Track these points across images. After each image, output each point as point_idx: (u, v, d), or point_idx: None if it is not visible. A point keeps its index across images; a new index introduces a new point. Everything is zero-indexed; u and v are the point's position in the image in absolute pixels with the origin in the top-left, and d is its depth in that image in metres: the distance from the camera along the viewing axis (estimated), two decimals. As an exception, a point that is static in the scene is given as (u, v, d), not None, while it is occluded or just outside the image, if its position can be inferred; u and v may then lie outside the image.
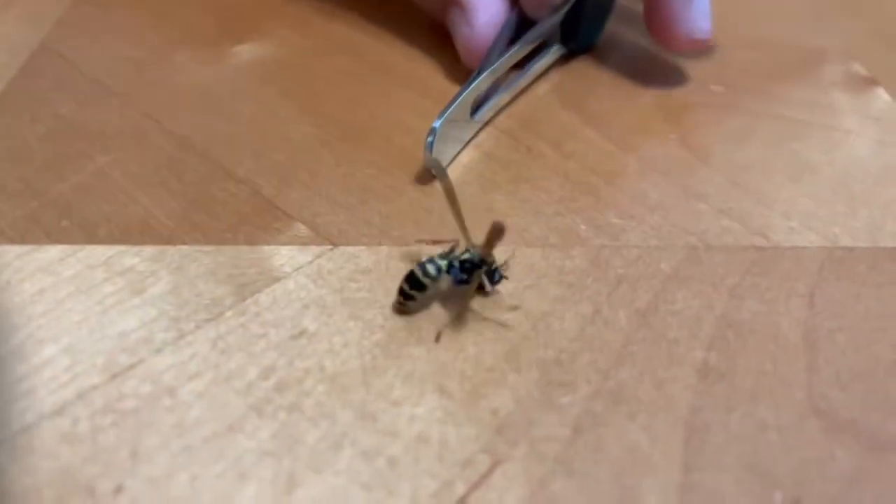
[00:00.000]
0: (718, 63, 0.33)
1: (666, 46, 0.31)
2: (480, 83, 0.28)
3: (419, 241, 0.24)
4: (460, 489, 0.18)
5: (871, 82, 0.32)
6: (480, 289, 0.22)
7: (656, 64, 0.33)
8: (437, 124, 0.26)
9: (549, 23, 0.31)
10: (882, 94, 0.32)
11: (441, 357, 0.20)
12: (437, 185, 0.26)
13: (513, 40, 0.30)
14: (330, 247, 0.23)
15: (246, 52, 0.32)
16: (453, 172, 0.26)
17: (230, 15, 0.35)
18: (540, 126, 0.29)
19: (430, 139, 0.25)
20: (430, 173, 0.26)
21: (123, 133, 0.28)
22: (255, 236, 0.24)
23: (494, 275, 0.22)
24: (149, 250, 0.23)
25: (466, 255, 0.22)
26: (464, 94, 0.27)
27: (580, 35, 0.33)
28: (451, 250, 0.22)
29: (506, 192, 0.26)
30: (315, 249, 0.23)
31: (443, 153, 0.26)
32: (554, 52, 0.32)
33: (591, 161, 0.27)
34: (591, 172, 0.27)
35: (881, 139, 0.29)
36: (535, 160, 0.27)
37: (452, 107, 0.26)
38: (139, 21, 0.34)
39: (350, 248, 0.23)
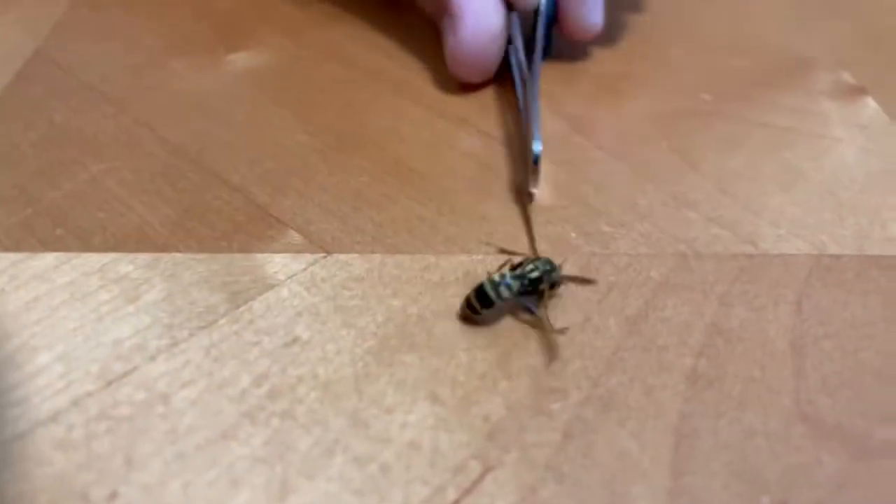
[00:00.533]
0: (708, 71, 0.34)
1: (566, 36, 0.33)
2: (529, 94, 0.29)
3: (488, 246, 0.24)
4: (452, 495, 0.18)
5: (859, 91, 0.33)
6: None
7: (647, 72, 0.34)
8: (539, 148, 0.25)
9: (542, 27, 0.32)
10: (870, 103, 0.32)
11: (433, 364, 0.21)
12: (430, 194, 0.26)
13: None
14: (323, 254, 0.24)
15: (240, 59, 0.32)
16: (449, 180, 0.27)
17: (225, 23, 0.35)
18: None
19: (536, 162, 0.25)
20: (530, 195, 0.26)
21: (118, 140, 0.28)
22: (249, 244, 0.24)
23: (555, 285, 0.22)
24: (143, 258, 0.23)
25: (535, 274, 0.22)
26: (536, 110, 0.27)
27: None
28: (520, 265, 0.22)
29: (498, 199, 0.26)
30: (308, 257, 0.23)
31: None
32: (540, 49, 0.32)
33: (582, 169, 0.28)
34: (582, 180, 0.27)
35: (869, 147, 0.29)
36: (526, 168, 0.28)
37: (536, 125, 0.26)
38: (135, 28, 0.34)
39: (343, 256, 0.24)
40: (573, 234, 0.25)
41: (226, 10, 0.36)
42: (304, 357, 0.21)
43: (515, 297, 0.22)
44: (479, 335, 0.21)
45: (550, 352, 0.21)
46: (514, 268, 0.23)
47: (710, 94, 0.32)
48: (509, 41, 0.31)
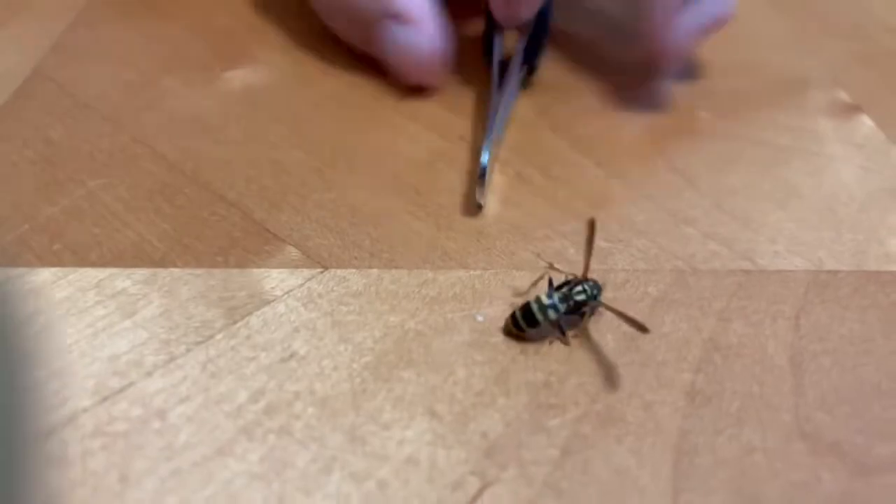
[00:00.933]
0: (705, 89, 0.34)
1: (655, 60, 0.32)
2: (501, 111, 0.29)
3: (543, 263, 0.24)
4: (450, 512, 0.18)
5: (855, 109, 0.33)
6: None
7: (644, 90, 0.34)
8: (486, 160, 0.26)
9: (522, 45, 0.32)
10: (866, 121, 0.32)
11: (431, 380, 0.21)
12: (428, 210, 0.26)
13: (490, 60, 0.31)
14: (320, 270, 0.24)
15: (236, 77, 0.32)
16: (446, 196, 0.27)
17: (220, 40, 0.35)
18: (528, 151, 0.29)
19: (482, 177, 0.26)
20: (478, 207, 0.26)
21: (114, 158, 0.28)
22: (246, 259, 0.24)
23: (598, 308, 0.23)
24: (140, 273, 0.23)
25: (582, 297, 0.22)
26: (496, 126, 0.28)
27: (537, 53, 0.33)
28: (566, 284, 0.23)
29: (494, 216, 0.26)
30: (305, 272, 0.23)
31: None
32: (522, 70, 0.33)
33: (579, 185, 0.28)
34: (579, 197, 0.27)
35: (865, 165, 0.30)
36: (523, 185, 0.28)
37: (490, 142, 0.27)
38: (131, 46, 0.34)
39: (340, 272, 0.24)
40: (571, 250, 0.25)
41: (221, 27, 0.36)
42: (301, 372, 0.21)
43: (561, 317, 0.22)
44: (477, 351, 0.21)
45: (609, 380, 0.21)
46: (558, 287, 0.22)
47: (707, 112, 0.32)
48: (492, 51, 0.32)
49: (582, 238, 0.25)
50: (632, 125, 0.31)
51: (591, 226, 0.23)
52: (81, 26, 0.35)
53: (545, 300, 0.22)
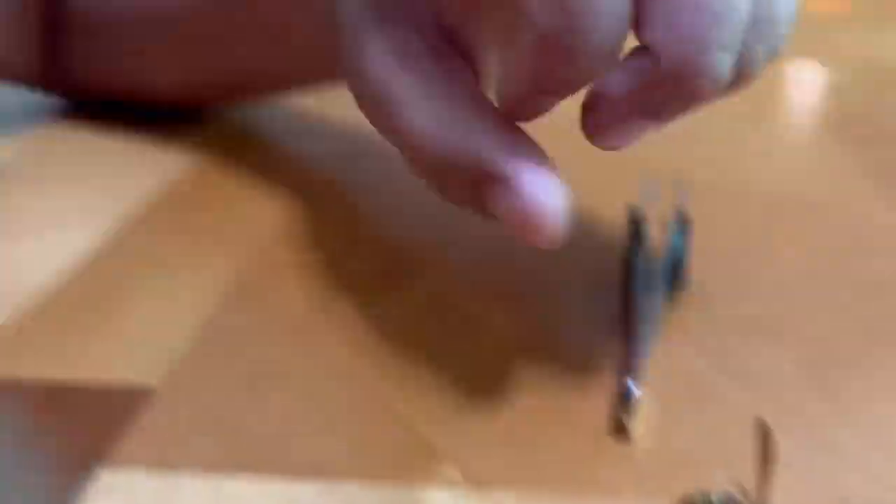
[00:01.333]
0: (859, 310, 0.34)
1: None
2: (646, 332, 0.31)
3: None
4: None
5: None
6: None
7: (796, 314, 0.34)
8: (633, 387, 0.28)
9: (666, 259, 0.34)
10: None
11: None
12: (579, 433, 0.27)
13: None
14: (480, 490, 0.25)
15: (404, 296, 0.36)
16: (598, 420, 0.28)
17: (390, 260, 0.39)
18: (674, 375, 0.30)
19: (630, 403, 0.28)
20: (627, 433, 0.28)
21: (293, 371, 0.31)
22: (412, 475, 0.26)
23: None
24: (315, 486, 0.25)
25: None
26: (642, 349, 0.29)
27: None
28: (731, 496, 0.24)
29: (643, 442, 0.27)
30: (466, 493, 0.25)
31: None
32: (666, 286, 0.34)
33: (729, 412, 0.28)
34: (725, 423, 0.28)
35: None
36: (671, 410, 0.29)
37: (636, 366, 0.29)
38: (308, 272, 0.39)
39: (502, 494, 0.25)
40: (717, 480, 0.25)
41: (388, 248, 0.40)
42: None
43: None
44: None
45: None
46: (732, 498, 0.23)
47: (861, 337, 0.33)
48: (633, 267, 0.34)
49: (729, 467, 0.26)
50: (781, 349, 0.32)
51: (764, 431, 0.24)
52: (261, 265, 0.40)
53: (711, 496, 0.23)
